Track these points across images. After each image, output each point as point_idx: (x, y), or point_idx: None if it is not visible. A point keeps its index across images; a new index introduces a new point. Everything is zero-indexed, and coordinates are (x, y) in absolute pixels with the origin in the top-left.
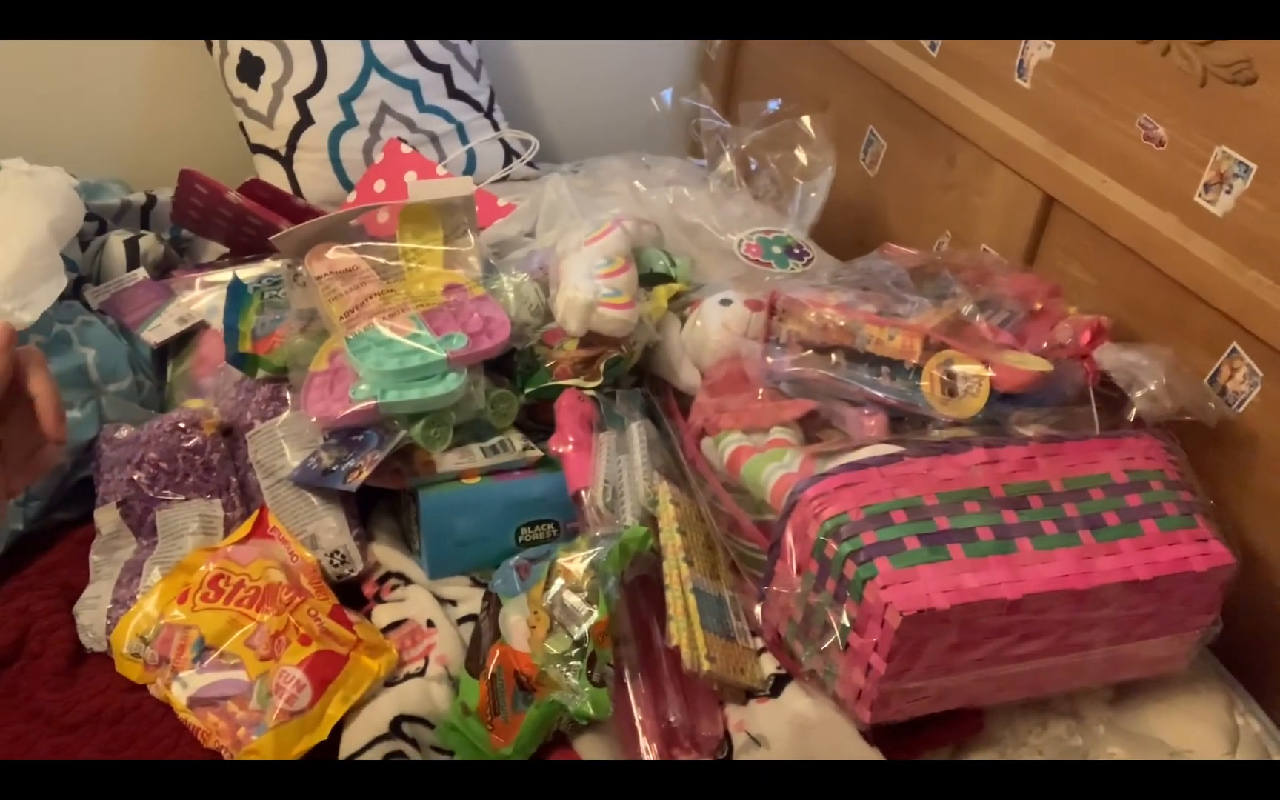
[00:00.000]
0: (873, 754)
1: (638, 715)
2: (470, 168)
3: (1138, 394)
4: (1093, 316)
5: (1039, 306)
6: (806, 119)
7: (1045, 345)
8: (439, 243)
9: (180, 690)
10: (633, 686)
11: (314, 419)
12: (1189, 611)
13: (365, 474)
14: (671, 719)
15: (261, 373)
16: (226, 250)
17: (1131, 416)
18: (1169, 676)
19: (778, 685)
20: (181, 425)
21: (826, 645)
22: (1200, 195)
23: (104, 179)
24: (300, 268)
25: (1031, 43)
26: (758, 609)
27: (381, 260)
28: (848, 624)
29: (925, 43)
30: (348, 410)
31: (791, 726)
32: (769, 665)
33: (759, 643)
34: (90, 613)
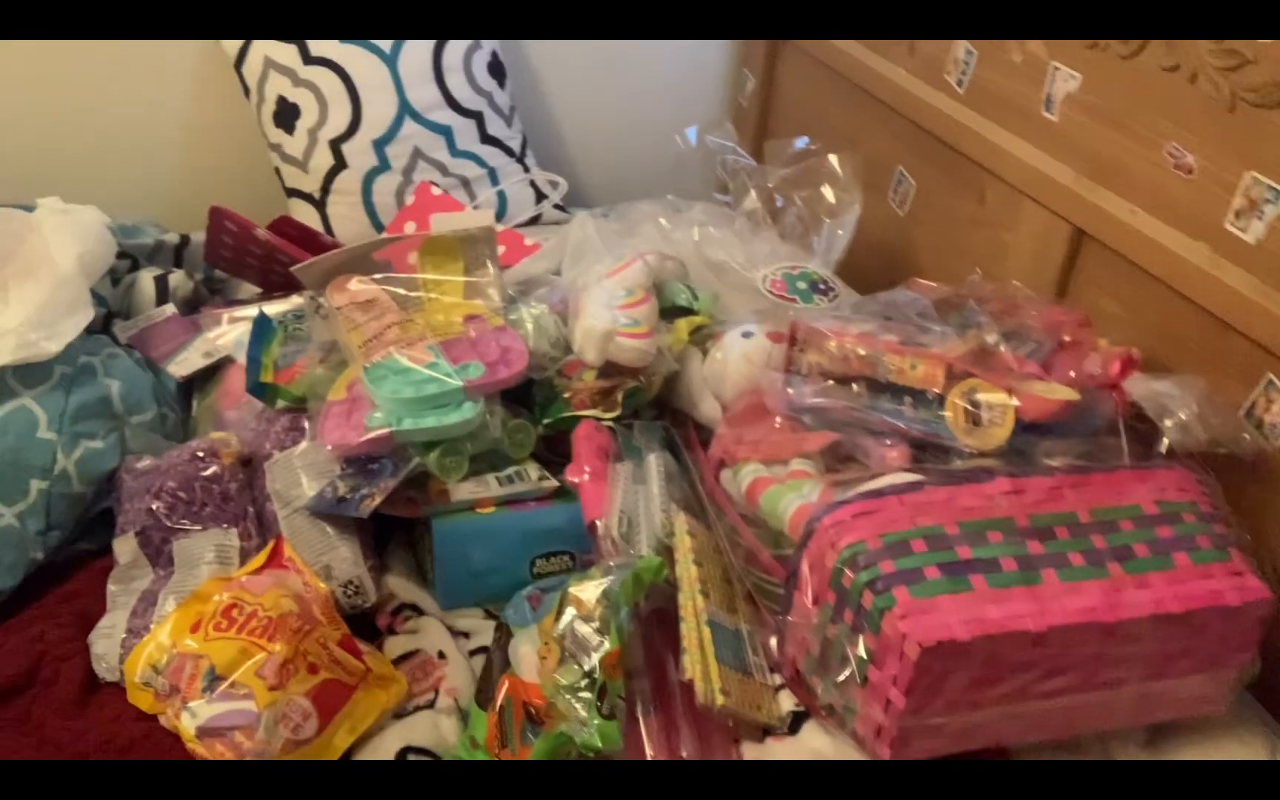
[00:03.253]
0: None
1: (650, 751)
2: (501, 210)
3: (1168, 423)
4: (1123, 348)
5: (1067, 338)
6: (833, 157)
7: (1073, 375)
8: (459, 274)
9: (189, 720)
10: (644, 721)
11: (330, 447)
12: (1224, 649)
13: (379, 500)
14: (684, 754)
15: (281, 402)
16: (258, 290)
17: (1163, 448)
18: (1206, 719)
19: (795, 723)
20: (200, 455)
21: (844, 679)
22: (1231, 222)
23: (140, 221)
24: (322, 299)
25: (1058, 76)
26: (774, 642)
27: (402, 291)
28: (865, 656)
29: (952, 79)
30: (363, 438)
31: None
32: (787, 702)
33: (777, 679)
34: (105, 642)
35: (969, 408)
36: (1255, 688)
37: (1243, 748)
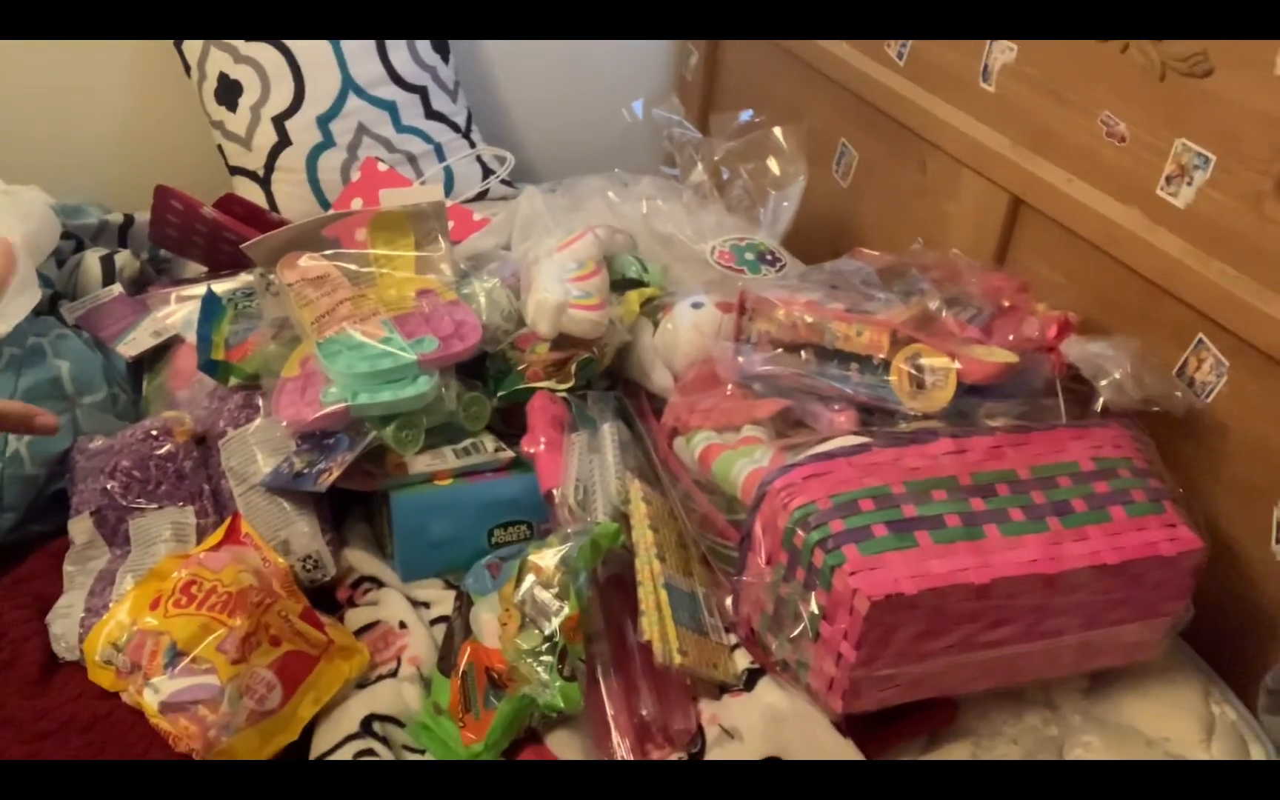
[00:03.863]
0: (846, 745)
1: (610, 711)
2: (448, 186)
3: (1104, 383)
4: (1060, 312)
5: (1007, 303)
6: (778, 130)
7: (1012, 339)
8: (410, 249)
9: (152, 696)
10: (605, 683)
11: (285, 423)
12: (1160, 597)
13: (336, 475)
14: (644, 713)
15: (234, 380)
16: (204, 269)
17: (1099, 407)
18: (1144, 666)
19: (751, 679)
20: (154, 433)
21: (797, 635)
22: (1162, 189)
23: (82, 201)
24: (272, 276)
25: (995, 47)
26: (729, 602)
27: (353, 267)
28: (817, 612)
29: (892, 51)
30: (319, 413)
31: (764, 719)
32: (742, 660)
33: (732, 639)
34: (63, 622)
35: (913, 372)
36: (1188, 632)
37: (1178, 690)
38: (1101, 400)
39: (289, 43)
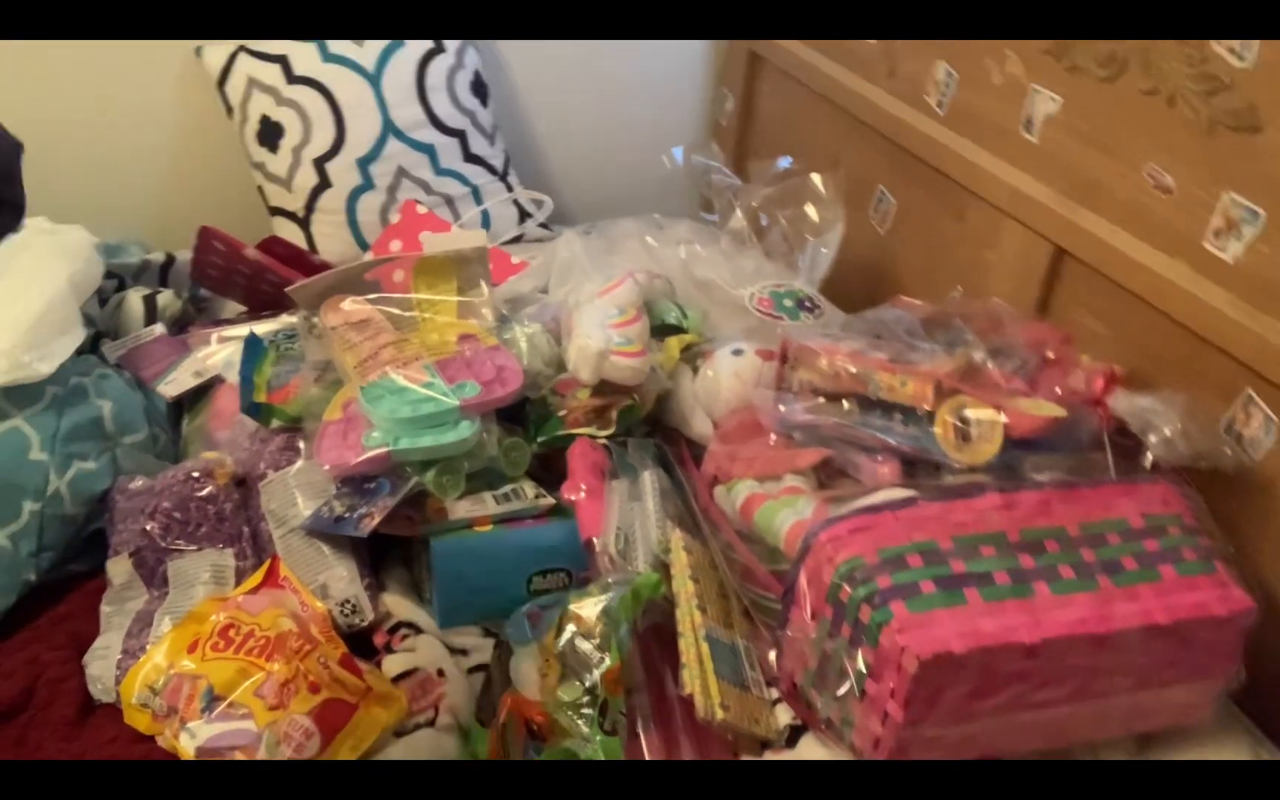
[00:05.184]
0: None
1: None
2: (485, 228)
3: (1153, 439)
4: (1105, 365)
5: (1051, 355)
6: (816, 176)
7: (1058, 392)
8: (453, 293)
9: (188, 740)
10: (645, 736)
11: (327, 467)
12: (1211, 658)
13: (378, 520)
14: None
15: (276, 422)
16: (244, 309)
17: (1148, 462)
18: (1193, 728)
19: (793, 736)
20: (195, 475)
21: (843, 692)
22: (1210, 242)
23: (124, 240)
24: (315, 319)
25: (1038, 98)
26: (772, 656)
27: (396, 311)
28: (864, 670)
29: (932, 100)
30: (360, 457)
31: None
32: (784, 716)
33: (774, 693)
34: (100, 663)
35: (958, 424)
36: (1237, 693)
37: (1226, 754)
38: (1150, 456)
39: (330, 87)
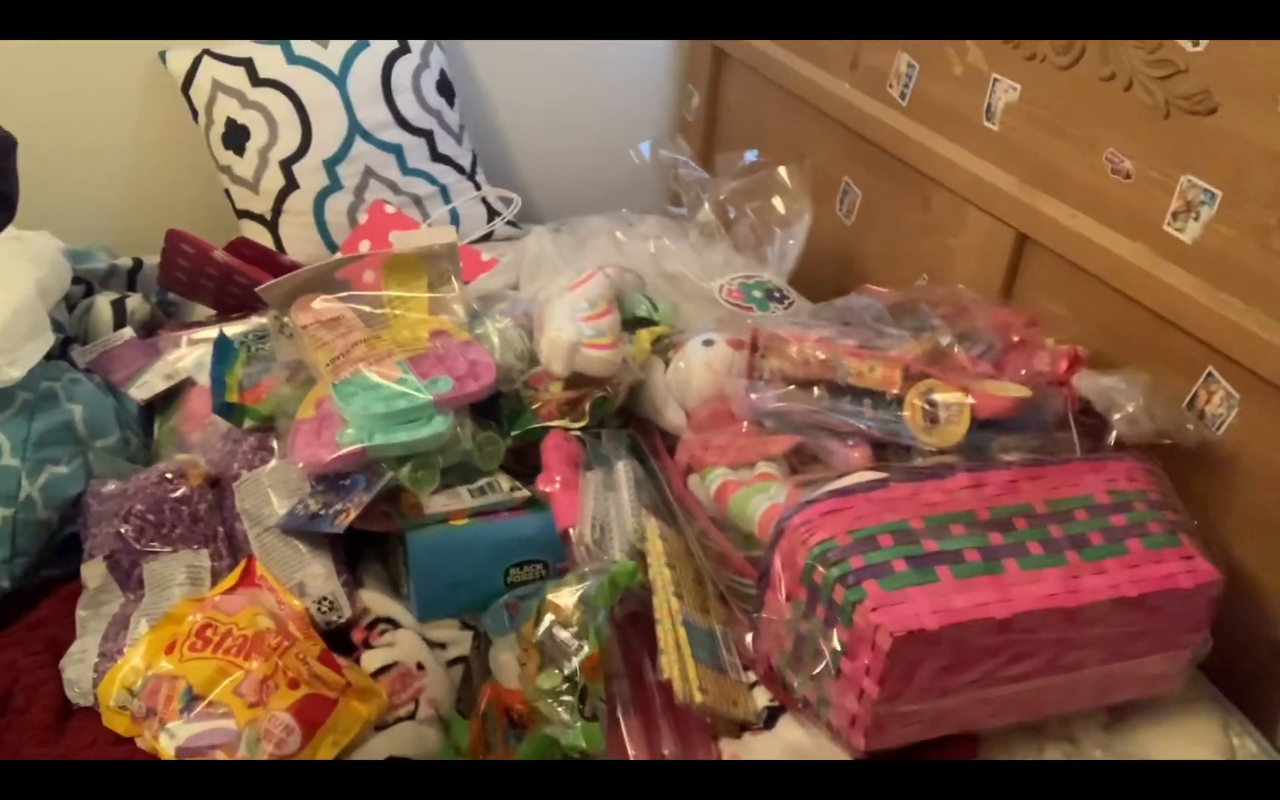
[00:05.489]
0: None
1: (631, 750)
2: (454, 227)
3: (1116, 416)
4: (1069, 346)
5: (1016, 338)
6: (783, 169)
7: (1024, 373)
8: (423, 290)
9: (168, 741)
10: (625, 722)
11: (301, 465)
12: (1179, 629)
13: (353, 516)
14: (665, 753)
15: (248, 422)
16: (213, 312)
17: (1112, 440)
18: (1163, 699)
19: (771, 717)
20: (168, 477)
21: (818, 672)
22: (1169, 224)
23: (91, 245)
24: (286, 319)
25: (998, 86)
26: (749, 639)
27: (367, 309)
28: (839, 649)
29: (894, 91)
30: (335, 455)
31: (786, 757)
32: (762, 698)
33: (751, 676)
34: (77, 667)
35: (927, 407)
36: (1205, 665)
37: (1198, 723)
38: (1115, 433)
39: (296, 88)
